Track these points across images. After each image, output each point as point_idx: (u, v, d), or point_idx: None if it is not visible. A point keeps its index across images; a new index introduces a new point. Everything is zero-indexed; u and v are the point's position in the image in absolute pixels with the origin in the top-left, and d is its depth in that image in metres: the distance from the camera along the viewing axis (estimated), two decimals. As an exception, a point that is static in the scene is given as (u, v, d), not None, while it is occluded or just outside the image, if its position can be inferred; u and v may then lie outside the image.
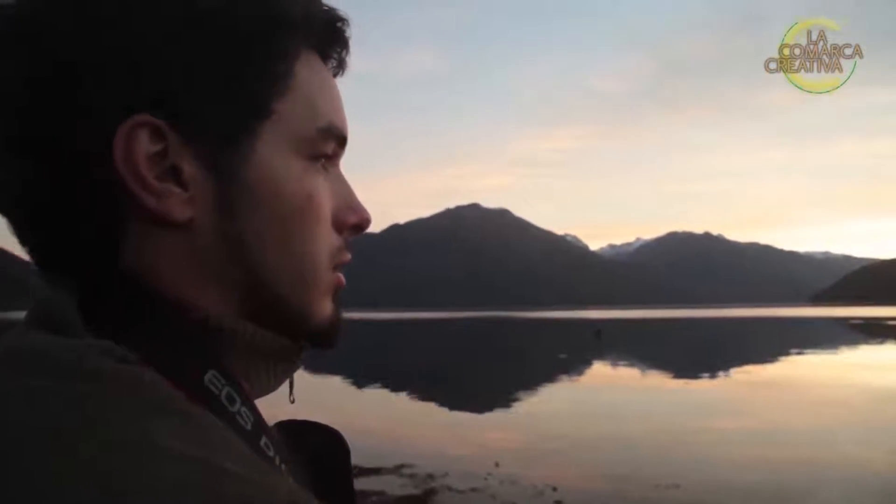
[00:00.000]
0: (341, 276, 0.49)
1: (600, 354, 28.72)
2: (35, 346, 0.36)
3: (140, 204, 0.40)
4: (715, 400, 15.28)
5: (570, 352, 31.71)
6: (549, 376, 20.08)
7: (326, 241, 0.47)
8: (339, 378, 19.93)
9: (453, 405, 14.75)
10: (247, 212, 0.43)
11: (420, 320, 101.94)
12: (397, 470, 8.30)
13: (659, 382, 19.29)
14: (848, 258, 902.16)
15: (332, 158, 0.48)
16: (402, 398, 16.27)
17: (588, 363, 25.48)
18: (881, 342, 38.70)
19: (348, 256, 0.50)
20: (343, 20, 0.49)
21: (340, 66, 0.50)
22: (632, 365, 24.80)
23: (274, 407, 0.54)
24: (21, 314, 0.43)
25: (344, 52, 0.50)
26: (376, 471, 8.17)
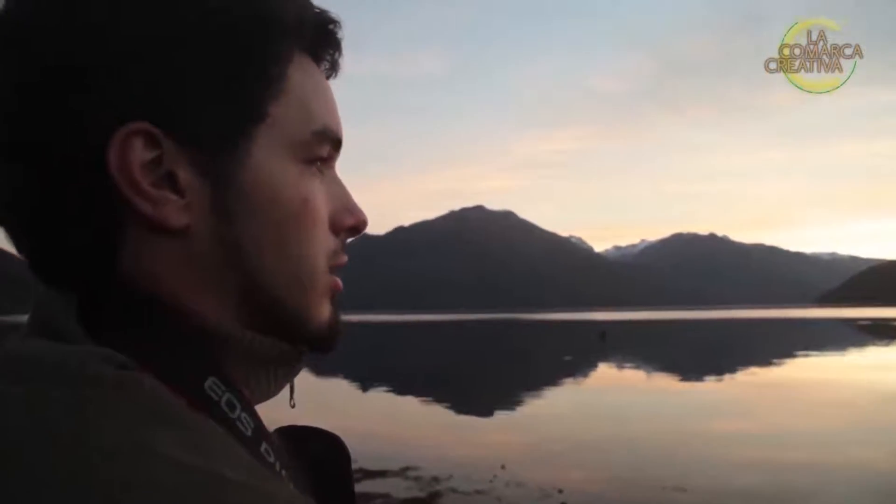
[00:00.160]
0: (338, 280, 0.49)
1: (605, 356, 28.67)
2: (35, 352, 0.36)
3: (136, 211, 0.40)
4: (721, 402, 15.22)
5: (575, 354, 31.69)
6: (555, 378, 20.04)
7: (323, 244, 0.47)
8: (344, 380, 19.95)
9: (458, 407, 14.73)
10: (243, 216, 0.43)
11: (425, 322, 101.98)
12: (402, 472, 8.29)
13: (664, 384, 19.21)
14: (855, 259, 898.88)
15: (328, 161, 0.48)
16: (407, 400, 16.27)
17: (593, 365, 25.43)
18: (889, 343, 38.50)
19: (345, 258, 0.50)
20: (335, 22, 0.49)
21: (333, 69, 0.50)
22: (637, 367, 24.73)
23: (276, 411, 0.54)
24: (24, 317, 0.43)
25: (337, 55, 0.50)
26: (381, 473, 8.16)
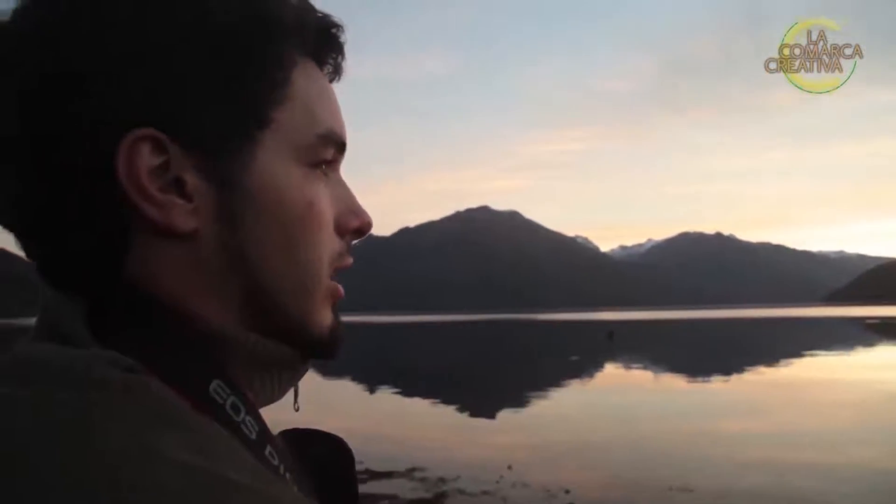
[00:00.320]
0: (340, 287, 0.49)
1: (612, 356, 28.61)
2: (42, 356, 0.36)
3: (144, 216, 0.41)
4: (728, 402, 15.15)
5: (582, 354, 31.63)
6: (561, 378, 20.01)
7: (328, 247, 0.47)
8: (351, 381, 19.98)
9: (465, 408, 14.72)
10: (249, 221, 0.43)
11: (430, 323, 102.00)
12: (409, 473, 8.29)
13: (671, 384, 19.17)
14: (862, 257, 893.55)
15: (332, 164, 0.48)
16: (414, 401, 16.27)
17: (600, 365, 25.38)
18: (897, 342, 38.24)
19: (350, 261, 0.50)
20: (338, 26, 0.49)
21: (337, 72, 0.51)
22: (644, 367, 24.65)
23: (281, 413, 0.54)
24: (31, 320, 0.43)
25: (340, 58, 0.50)
26: (388, 474, 8.17)
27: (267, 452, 0.41)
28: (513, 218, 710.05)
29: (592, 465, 8.89)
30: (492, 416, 13.86)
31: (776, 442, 10.17)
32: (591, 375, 22.19)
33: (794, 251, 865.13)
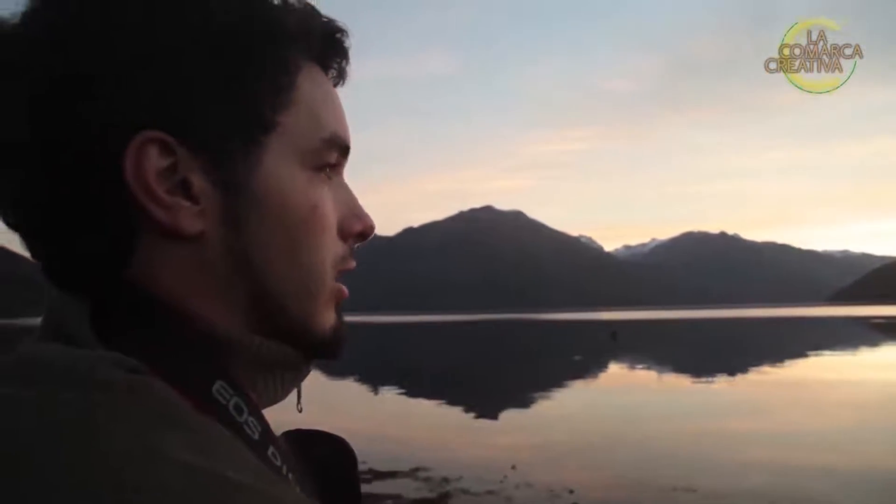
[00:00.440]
0: (344, 288, 0.50)
1: (616, 356, 28.56)
2: (47, 356, 0.36)
3: (151, 218, 0.41)
4: (732, 401, 15.11)
5: (586, 354, 31.58)
6: (565, 379, 19.98)
7: (331, 250, 0.48)
8: (355, 381, 20.00)
9: (469, 408, 14.70)
10: (254, 224, 0.44)
11: (434, 323, 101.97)
12: (412, 473, 8.29)
13: (675, 384, 19.13)
14: (867, 256, 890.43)
15: (336, 168, 0.49)
16: (418, 401, 16.28)
17: (604, 365, 25.35)
18: (903, 341, 38.10)
19: (353, 264, 0.50)
20: (342, 31, 0.50)
21: (341, 76, 0.51)
22: (648, 366, 24.60)
23: (284, 414, 0.54)
24: (35, 320, 0.43)
25: (344, 63, 0.51)
26: (391, 474, 8.17)
27: (269, 453, 0.41)
28: (517, 218, 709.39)
29: (596, 466, 8.88)
30: (495, 416, 13.85)
31: (781, 442, 10.14)
32: (594, 375, 22.16)
33: (798, 250, 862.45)
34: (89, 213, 0.41)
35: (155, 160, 0.40)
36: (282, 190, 0.44)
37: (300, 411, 0.52)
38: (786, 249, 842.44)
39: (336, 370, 20.79)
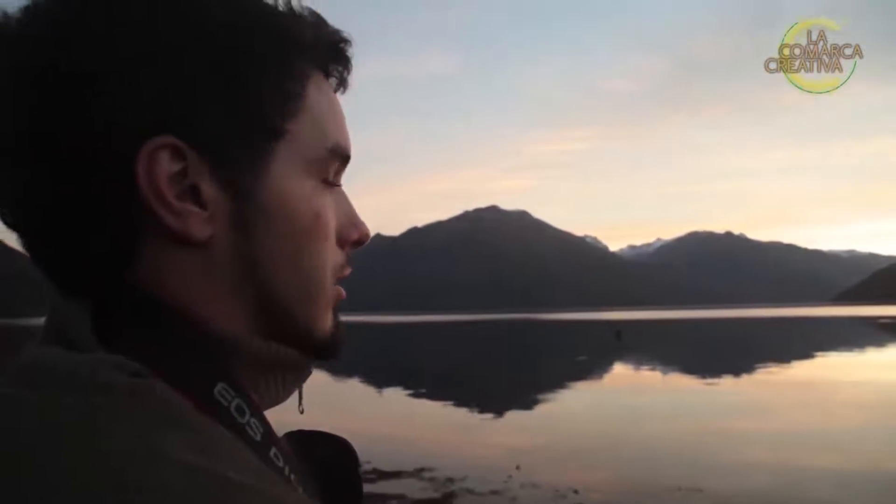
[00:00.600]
0: (342, 290, 0.51)
1: (620, 356, 28.51)
2: (48, 360, 0.37)
3: (160, 223, 0.41)
4: (738, 402, 15.06)
5: (590, 353, 31.55)
6: (570, 379, 19.96)
7: (331, 257, 0.48)
8: (359, 382, 20.03)
9: (473, 408, 14.71)
10: (261, 230, 0.44)
11: (439, 323, 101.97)
12: (417, 473, 8.30)
13: (681, 383, 19.09)
14: (874, 256, 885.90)
15: (336, 176, 0.50)
16: (422, 401, 16.28)
17: (609, 365, 25.32)
18: (910, 341, 37.91)
19: (349, 270, 0.51)
20: (347, 41, 0.51)
21: (342, 84, 0.52)
22: (653, 366, 24.56)
23: (287, 415, 0.54)
24: (35, 320, 0.42)
25: (346, 73, 0.51)
26: (396, 474, 8.18)
27: (272, 454, 0.42)
28: (521, 218, 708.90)
29: (601, 465, 8.87)
30: (500, 415, 13.85)
31: (786, 442, 10.11)
32: (599, 375, 22.13)
33: (804, 250, 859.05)
34: (92, 213, 0.41)
35: (166, 165, 0.40)
36: (288, 197, 0.45)
37: (302, 412, 0.53)
38: (791, 249, 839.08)
39: (341, 371, 20.83)
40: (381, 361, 29.36)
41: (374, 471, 8.19)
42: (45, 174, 0.40)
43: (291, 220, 0.45)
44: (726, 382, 18.86)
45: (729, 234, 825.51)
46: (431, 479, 8.02)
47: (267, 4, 0.46)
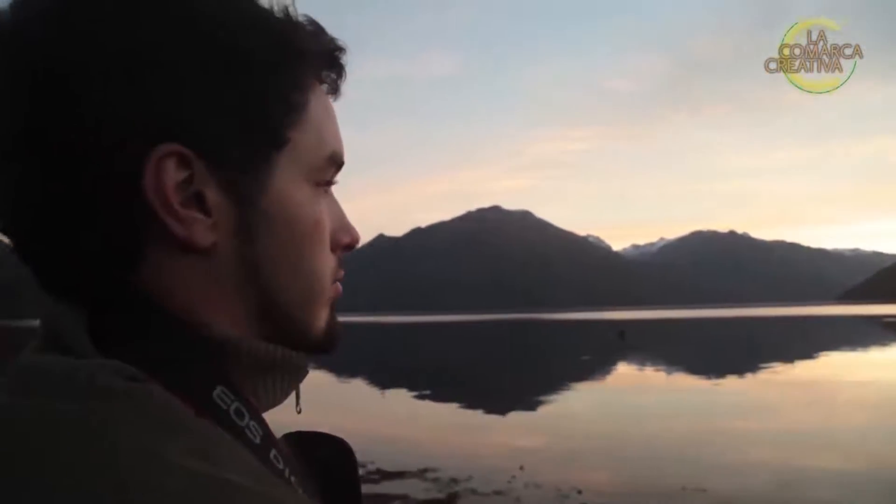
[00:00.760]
0: (339, 286, 0.52)
1: (624, 355, 28.48)
2: (44, 366, 0.37)
3: (165, 230, 0.41)
4: (742, 401, 15.04)
5: (594, 353, 31.51)
6: (573, 378, 19.95)
7: (329, 261, 0.50)
8: (363, 382, 20.05)
9: (477, 408, 14.72)
10: (263, 236, 0.45)
11: (442, 323, 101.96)
12: (421, 473, 8.30)
13: (684, 383, 19.06)
14: (879, 254, 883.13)
15: (331, 182, 0.51)
16: (425, 401, 16.26)
17: (612, 364, 25.28)
18: (914, 340, 37.76)
19: (342, 273, 0.52)
20: (342, 50, 0.52)
21: (335, 92, 0.53)
22: (657, 366, 24.53)
23: (288, 415, 0.55)
24: (36, 322, 0.43)
25: (340, 80, 0.52)
26: (400, 474, 8.19)
27: (272, 456, 0.42)
28: (524, 217, 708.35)
29: (605, 466, 8.87)
30: (504, 415, 13.86)
31: (790, 442, 10.09)
32: (602, 375, 22.10)
33: (808, 249, 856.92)
34: (83, 210, 0.41)
35: (174, 173, 0.41)
36: (290, 204, 0.46)
37: (299, 412, 0.53)
38: (795, 248, 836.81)
39: (344, 371, 20.86)
40: (384, 362, 29.37)
41: (378, 471, 8.20)
42: (36, 171, 0.40)
43: (293, 225, 0.46)
44: (730, 382, 18.82)
45: (732, 234, 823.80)
46: (435, 480, 8.03)
47: (270, 14, 0.46)
